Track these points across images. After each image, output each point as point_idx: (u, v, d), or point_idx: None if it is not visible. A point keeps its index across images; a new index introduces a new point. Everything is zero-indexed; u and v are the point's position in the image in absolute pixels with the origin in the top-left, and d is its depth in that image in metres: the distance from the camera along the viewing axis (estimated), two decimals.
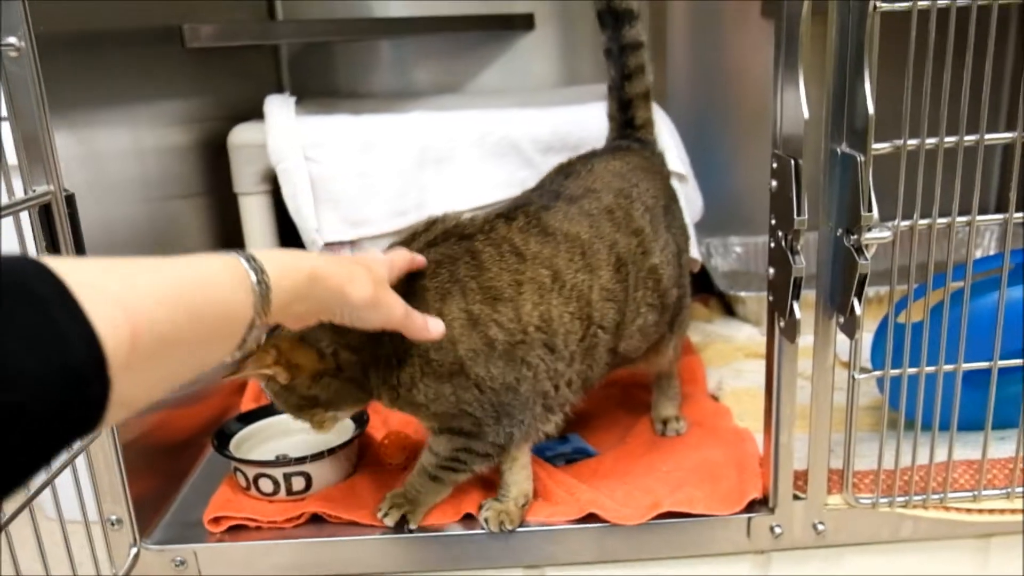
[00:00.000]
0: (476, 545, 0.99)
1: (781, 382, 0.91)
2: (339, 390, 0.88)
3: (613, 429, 1.19)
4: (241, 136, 1.26)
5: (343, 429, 1.11)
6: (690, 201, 1.28)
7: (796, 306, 0.84)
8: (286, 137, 1.21)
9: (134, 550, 0.96)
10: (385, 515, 0.99)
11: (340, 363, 0.87)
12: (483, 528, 0.97)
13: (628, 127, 1.12)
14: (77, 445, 0.86)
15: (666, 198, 1.07)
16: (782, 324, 0.87)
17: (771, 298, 0.90)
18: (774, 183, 0.87)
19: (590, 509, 0.98)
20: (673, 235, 1.05)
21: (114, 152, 1.03)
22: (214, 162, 1.28)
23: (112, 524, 0.95)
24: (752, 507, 0.98)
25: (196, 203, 1.27)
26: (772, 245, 0.88)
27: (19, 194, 0.79)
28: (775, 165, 0.86)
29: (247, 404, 1.29)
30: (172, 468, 1.10)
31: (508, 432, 0.93)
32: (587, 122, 1.23)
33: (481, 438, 0.92)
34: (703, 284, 1.67)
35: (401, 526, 0.99)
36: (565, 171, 1.04)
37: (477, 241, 0.90)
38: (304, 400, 0.89)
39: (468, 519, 1.00)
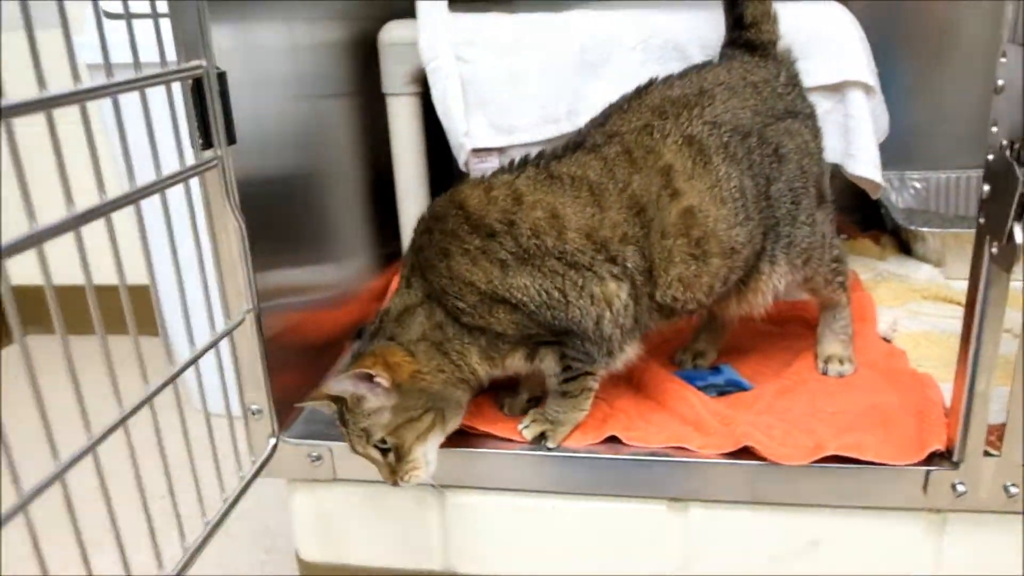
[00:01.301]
0: (616, 471, 0.93)
1: (985, 319, 0.79)
2: (441, 379, 0.88)
3: (769, 364, 1.09)
4: (392, 34, 1.22)
5: None
6: (876, 117, 1.14)
7: (1018, 228, 0.71)
8: (438, 35, 1.16)
9: (272, 440, 0.95)
10: (526, 427, 0.95)
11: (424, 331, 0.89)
12: (620, 454, 0.93)
13: (738, 27, 0.98)
14: (220, 329, 0.85)
15: (763, 120, 0.93)
16: (995, 250, 0.75)
17: (983, 219, 0.77)
18: (1000, 81, 0.73)
19: (745, 443, 0.90)
20: (763, 175, 0.92)
21: (269, 47, 1.00)
22: (364, 62, 1.24)
23: (253, 414, 0.95)
24: (932, 460, 0.88)
25: (345, 103, 1.24)
26: (990, 157, 0.76)
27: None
28: (1004, 59, 0.73)
29: None
30: (313, 367, 1.09)
31: (582, 345, 0.90)
32: None
33: (568, 345, 0.90)
34: (873, 220, 1.53)
35: (539, 442, 0.94)
36: (618, 105, 0.95)
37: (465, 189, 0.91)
38: (413, 403, 0.86)
39: (612, 442, 0.94)
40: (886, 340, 1.13)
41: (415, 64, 1.19)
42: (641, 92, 0.94)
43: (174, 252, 0.78)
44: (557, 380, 0.93)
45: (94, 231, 0.63)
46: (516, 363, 0.92)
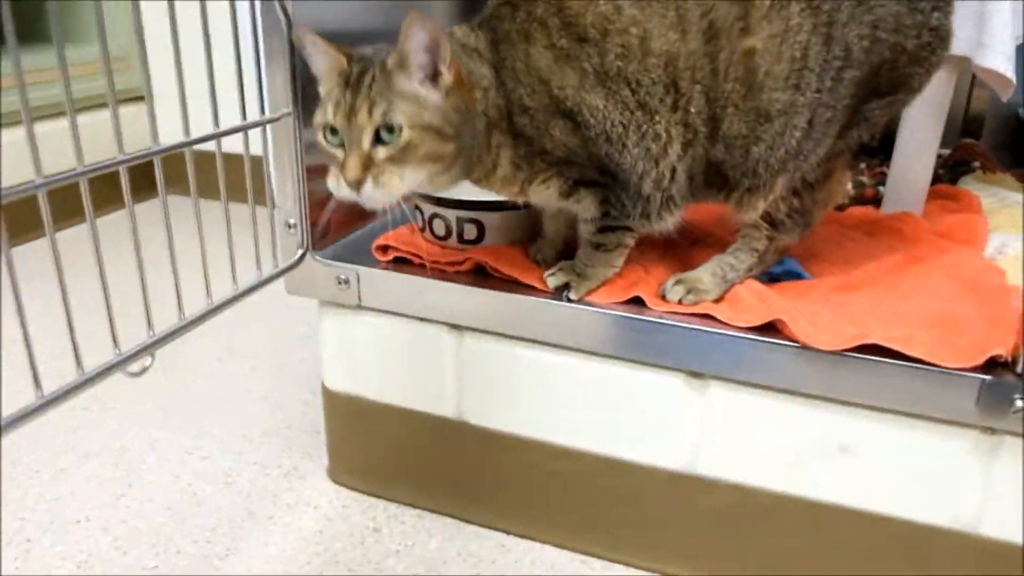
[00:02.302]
0: (635, 333, 0.87)
1: None
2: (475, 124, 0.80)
3: (841, 266, 0.98)
4: None
5: None
6: (1018, 12, 0.99)
7: None
8: None
9: (300, 251, 0.96)
10: (552, 275, 0.91)
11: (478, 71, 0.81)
12: (640, 314, 0.87)
13: None
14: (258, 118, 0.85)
15: None
16: None
17: None
18: None
19: (777, 316, 0.81)
20: (842, 41, 0.78)
21: None
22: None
23: (288, 227, 0.96)
24: (993, 370, 0.76)
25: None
26: None
27: None
28: None
29: None
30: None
31: (619, 195, 0.84)
32: None
33: (610, 186, 0.84)
34: (1022, 156, 1.35)
35: (562, 292, 0.89)
36: None
37: None
38: (447, 119, 0.77)
39: (636, 304, 0.88)
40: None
41: None
42: None
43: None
44: (592, 228, 0.88)
45: None
46: (545, 193, 0.87)
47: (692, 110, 0.81)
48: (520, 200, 0.89)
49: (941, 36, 0.81)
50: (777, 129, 0.81)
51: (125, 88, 2.06)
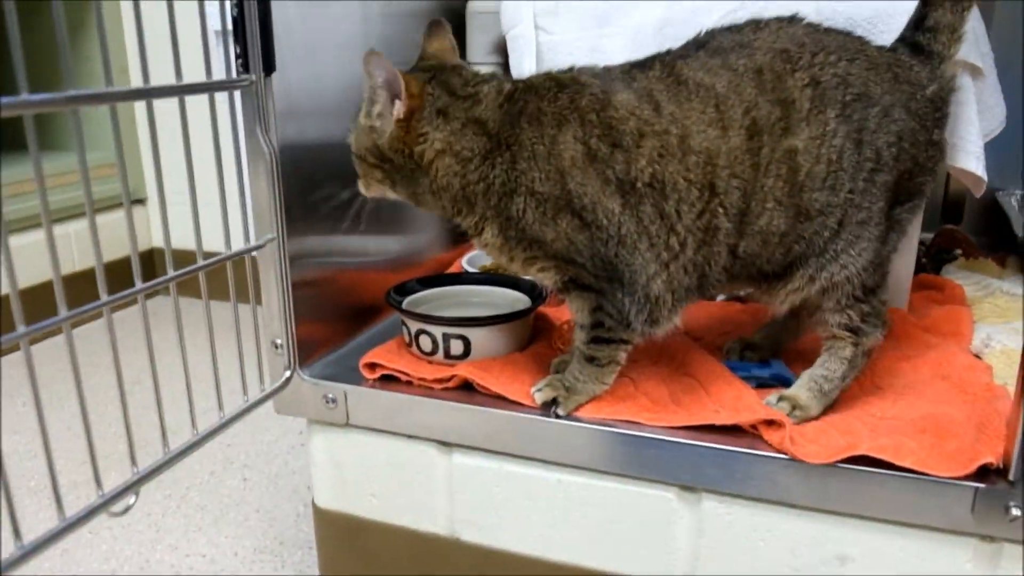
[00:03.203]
0: (624, 448, 0.86)
1: None
2: (441, 167, 0.84)
3: None
4: (481, 3, 1.22)
5: (518, 305, 1.03)
6: (986, 106, 1.01)
7: None
8: (519, 3, 1.15)
9: (287, 373, 0.96)
10: (539, 390, 0.90)
11: (457, 136, 0.83)
12: (630, 429, 0.86)
13: (915, 27, 0.88)
14: (243, 246, 0.87)
15: (886, 102, 0.82)
16: None
17: None
18: None
19: (763, 417, 0.82)
20: (872, 147, 0.81)
21: (343, 15, 1.03)
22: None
23: (275, 347, 0.96)
24: (984, 476, 0.75)
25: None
26: None
27: None
28: None
29: None
30: (348, 320, 1.09)
31: (622, 301, 0.84)
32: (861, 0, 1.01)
33: (605, 294, 0.84)
34: (1002, 240, 1.36)
35: (550, 408, 0.89)
36: (729, 27, 0.88)
37: (614, 82, 0.84)
38: (397, 150, 0.84)
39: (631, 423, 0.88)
40: (977, 357, 0.99)
41: (499, 33, 1.19)
42: (782, 20, 0.88)
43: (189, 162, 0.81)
44: (584, 336, 0.88)
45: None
46: (540, 277, 0.88)
47: (722, 209, 0.82)
48: (512, 271, 0.91)
49: (941, 149, 0.88)
50: (815, 228, 0.83)
51: (112, 195, 2.10)
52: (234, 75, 0.84)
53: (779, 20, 0.88)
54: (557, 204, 0.82)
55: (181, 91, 0.76)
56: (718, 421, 0.85)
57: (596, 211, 0.81)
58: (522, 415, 0.90)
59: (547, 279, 0.88)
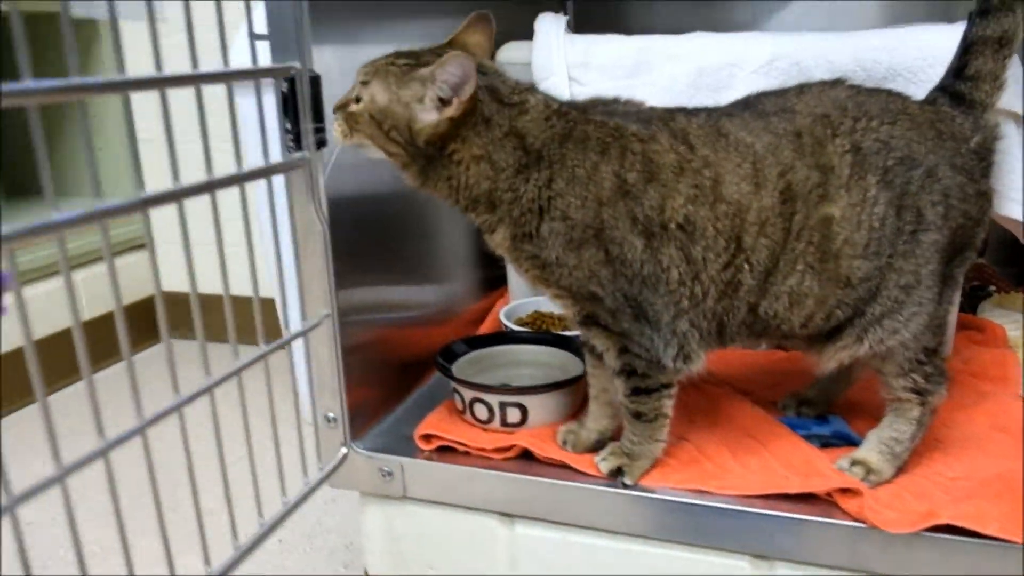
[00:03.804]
0: (694, 518, 0.86)
1: None
2: (467, 162, 0.82)
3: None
4: (509, 53, 1.21)
5: (571, 369, 1.02)
6: None
7: None
8: (553, 53, 1.14)
9: (343, 450, 0.94)
10: (603, 460, 0.89)
11: (496, 146, 0.81)
12: (700, 499, 0.85)
13: (956, 76, 0.88)
14: (294, 329, 0.85)
15: (930, 161, 0.81)
16: None
17: None
18: None
19: (838, 485, 0.81)
20: (914, 209, 0.81)
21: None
22: None
23: (328, 421, 0.94)
24: None
25: None
26: None
27: None
28: None
29: (484, 332, 1.25)
30: (394, 383, 1.08)
31: (650, 338, 0.83)
32: (901, 50, 1.01)
33: (627, 336, 0.83)
34: None
35: (616, 477, 0.88)
36: (776, 91, 0.89)
37: (653, 120, 0.84)
38: (428, 140, 0.81)
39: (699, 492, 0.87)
40: None
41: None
42: (826, 84, 0.87)
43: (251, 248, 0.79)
44: (624, 387, 0.86)
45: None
46: (558, 303, 0.87)
47: (747, 265, 0.82)
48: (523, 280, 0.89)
49: (989, 198, 0.87)
50: (859, 294, 0.83)
51: (129, 237, 2.07)
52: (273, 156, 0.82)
53: (822, 83, 0.88)
54: (586, 233, 0.81)
55: (242, 179, 0.74)
56: (790, 489, 0.84)
57: (624, 247, 0.81)
58: (589, 486, 0.88)
59: (566, 308, 0.87)
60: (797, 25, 1.54)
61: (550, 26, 1.17)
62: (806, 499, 0.84)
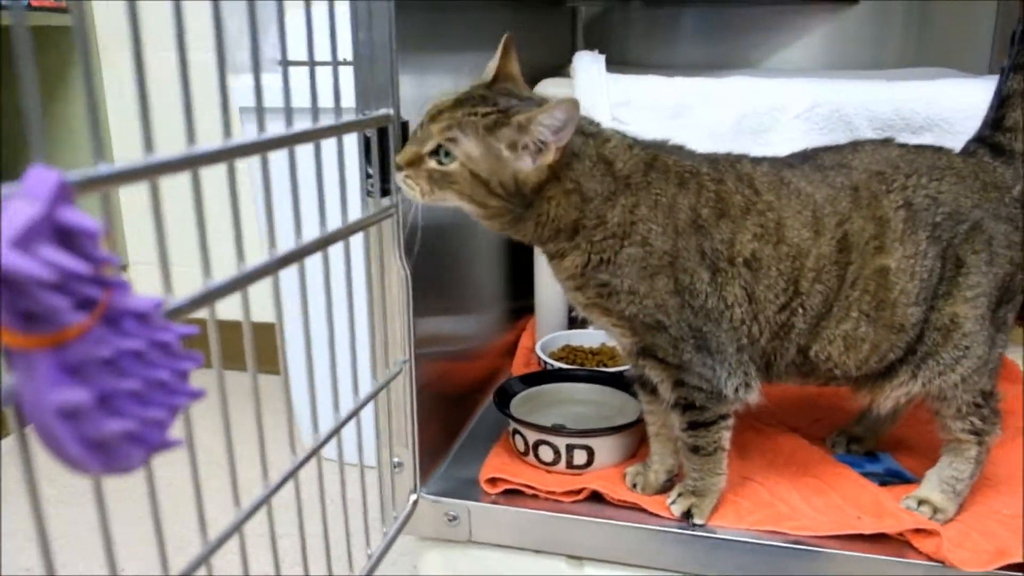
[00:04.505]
0: (771, 558, 0.88)
1: None
2: (552, 198, 0.82)
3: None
4: (547, 90, 1.21)
5: (628, 409, 1.03)
6: None
7: None
8: (596, 93, 1.15)
9: (413, 496, 0.93)
10: (674, 502, 0.90)
11: (586, 177, 0.82)
12: (777, 539, 0.87)
13: (993, 127, 0.92)
14: (373, 385, 0.83)
15: (975, 216, 0.86)
16: None
17: None
18: None
19: (912, 526, 0.85)
20: (954, 257, 0.86)
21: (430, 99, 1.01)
22: None
23: (395, 467, 0.93)
24: None
25: None
26: None
27: None
28: None
29: (518, 367, 1.25)
30: (447, 422, 1.07)
31: (712, 368, 0.85)
32: (938, 101, 1.06)
33: (686, 368, 0.85)
34: None
35: (688, 519, 0.89)
36: (831, 147, 0.93)
37: (720, 163, 0.88)
38: (531, 186, 0.80)
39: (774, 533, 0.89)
40: None
41: None
42: (877, 142, 0.91)
43: (340, 299, 0.77)
44: (681, 421, 0.88)
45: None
46: (609, 332, 0.89)
47: (801, 310, 0.85)
48: (588, 318, 0.90)
49: None
50: (911, 337, 0.87)
51: None
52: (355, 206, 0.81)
53: (874, 142, 0.92)
54: (661, 260, 0.83)
55: (326, 241, 0.71)
56: (865, 530, 0.86)
57: (693, 277, 0.83)
58: (665, 529, 0.89)
59: (622, 338, 0.88)
60: (803, 61, 1.59)
61: (591, 64, 1.18)
62: (877, 539, 0.87)
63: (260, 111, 0.58)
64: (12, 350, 0.39)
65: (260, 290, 0.60)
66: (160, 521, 0.52)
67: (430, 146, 0.79)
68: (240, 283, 0.57)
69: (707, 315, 0.84)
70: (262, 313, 0.66)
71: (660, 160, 0.85)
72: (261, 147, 0.58)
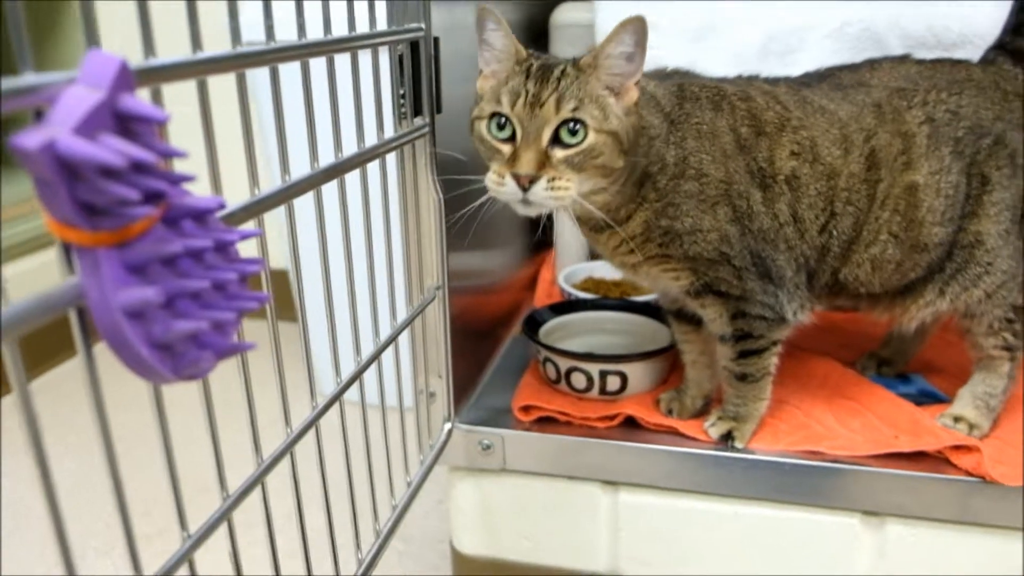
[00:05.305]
0: (805, 478, 0.87)
1: None
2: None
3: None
4: (565, 15, 1.19)
5: (659, 336, 1.02)
6: None
7: None
8: (617, 15, 1.11)
9: (447, 425, 0.92)
10: (712, 425, 0.90)
11: (647, 113, 0.78)
12: (814, 459, 0.87)
13: (1015, 33, 0.90)
14: (404, 318, 0.81)
15: (997, 129, 0.84)
16: None
17: None
18: None
19: (950, 443, 0.85)
20: (979, 174, 0.84)
21: (465, 25, 0.97)
22: (531, 46, 1.21)
23: (430, 396, 0.92)
24: None
25: None
26: None
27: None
28: None
29: (540, 299, 1.24)
30: (476, 354, 1.06)
31: (774, 293, 0.84)
32: (973, 17, 1.03)
33: (748, 298, 0.83)
34: None
35: (726, 442, 0.89)
36: (846, 66, 0.91)
37: (739, 83, 0.86)
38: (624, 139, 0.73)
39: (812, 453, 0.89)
40: None
41: (586, 46, 1.16)
42: (893, 59, 0.89)
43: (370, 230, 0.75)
44: (731, 352, 0.87)
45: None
46: (667, 284, 0.85)
47: (835, 232, 0.84)
48: (629, 275, 0.88)
49: None
50: (934, 257, 0.85)
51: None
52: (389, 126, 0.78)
53: (891, 59, 0.90)
54: (718, 189, 0.80)
55: (375, 154, 0.70)
56: (904, 448, 0.86)
57: (749, 200, 0.81)
58: (703, 451, 0.89)
59: (678, 283, 0.85)
60: None
61: None
62: (913, 457, 0.87)
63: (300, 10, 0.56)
64: (75, 248, 0.37)
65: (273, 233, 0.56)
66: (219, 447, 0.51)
67: (549, 132, 0.71)
68: (287, 194, 0.55)
69: (764, 237, 0.82)
70: (275, 260, 0.62)
71: (687, 89, 0.83)
72: (300, 51, 0.56)
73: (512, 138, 0.72)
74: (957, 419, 0.89)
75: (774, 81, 0.88)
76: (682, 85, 0.83)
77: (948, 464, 0.86)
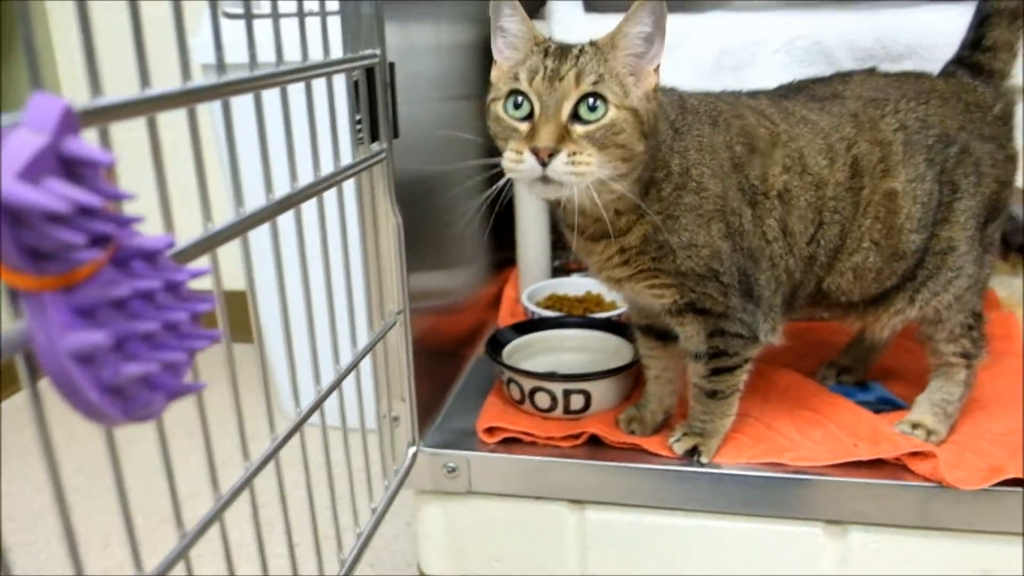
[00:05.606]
0: (768, 490, 0.88)
1: None
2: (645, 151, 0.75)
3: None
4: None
5: (622, 353, 1.03)
6: None
7: None
8: (571, 33, 1.13)
9: (412, 449, 0.92)
10: (677, 441, 0.90)
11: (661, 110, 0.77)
12: (777, 471, 0.88)
13: (972, 47, 0.92)
14: (368, 341, 0.81)
15: (962, 139, 0.87)
16: None
17: None
18: None
19: (908, 450, 0.86)
20: (949, 182, 0.86)
21: (421, 47, 0.98)
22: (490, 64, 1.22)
23: (394, 420, 0.91)
24: None
25: (475, 106, 1.21)
26: None
27: None
28: None
29: (504, 318, 1.24)
30: (439, 375, 1.05)
31: (752, 312, 0.85)
32: (918, 30, 1.06)
33: (729, 315, 0.84)
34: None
35: (692, 457, 0.90)
36: (817, 79, 0.93)
37: (727, 99, 0.87)
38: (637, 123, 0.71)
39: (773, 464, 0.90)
40: None
41: None
42: (863, 72, 0.92)
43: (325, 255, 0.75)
44: (703, 370, 0.87)
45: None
46: (650, 300, 0.85)
47: (823, 241, 0.85)
48: (613, 289, 0.88)
49: (1015, 161, 0.92)
50: (910, 264, 0.87)
51: None
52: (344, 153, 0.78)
53: (860, 72, 0.93)
54: (716, 204, 0.80)
55: (330, 183, 0.69)
56: (862, 456, 0.88)
57: (741, 217, 0.82)
58: (666, 468, 0.90)
59: (660, 300, 0.84)
60: None
61: (566, 5, 1.16)
62: (873, 464, 0.88)
63: (252, 46, 0.55)
64: (22, 293, 0.36)
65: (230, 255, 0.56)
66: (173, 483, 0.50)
67: (569, 106, 0.70)
68: (241, 227, 0.54)
69: (751, 255, 0.83)
70: (232, 281, 0.60)
71: (687, 100, 0.83)
72: (253, 83, 0.56)
73: (530, 116, 0.71)
74: (915, 425, 0.91)
75: (754, 94, 0.90)
76: (683, 96, 0.84)
77: (907, 471, 0.87)
